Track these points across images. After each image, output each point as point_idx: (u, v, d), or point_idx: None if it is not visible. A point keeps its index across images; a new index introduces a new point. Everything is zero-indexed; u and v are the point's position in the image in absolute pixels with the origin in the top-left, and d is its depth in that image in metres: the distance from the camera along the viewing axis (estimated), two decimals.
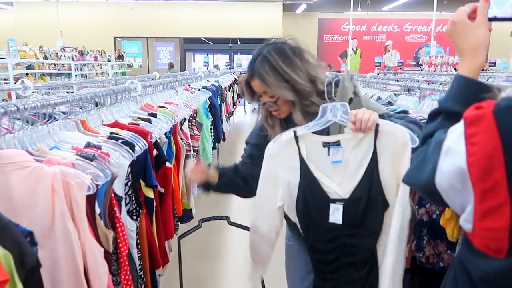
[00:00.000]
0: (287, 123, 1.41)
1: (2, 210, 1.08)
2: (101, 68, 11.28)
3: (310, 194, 1.22)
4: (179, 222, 2.54)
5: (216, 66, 12.47)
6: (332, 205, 1.20)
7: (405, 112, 2.60)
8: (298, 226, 1.30)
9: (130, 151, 1.55)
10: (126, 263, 1.42)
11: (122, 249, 1.39)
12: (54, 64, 9.65)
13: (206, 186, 1.51)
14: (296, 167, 1.24)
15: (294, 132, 1.25)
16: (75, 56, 9.94)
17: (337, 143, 1.22)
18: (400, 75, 7.00)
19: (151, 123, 2.04)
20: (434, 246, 1.82)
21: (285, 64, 1.31)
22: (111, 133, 1.66)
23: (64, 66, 9.73)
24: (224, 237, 3.51)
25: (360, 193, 1.19)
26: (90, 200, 1.19)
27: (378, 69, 10.69)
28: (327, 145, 1.22)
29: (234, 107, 8.50)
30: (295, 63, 1.32)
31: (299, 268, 1.50)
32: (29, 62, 8.25)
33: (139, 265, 1.66)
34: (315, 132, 1.26)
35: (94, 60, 10.75)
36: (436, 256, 2.03)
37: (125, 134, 1.67)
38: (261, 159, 1.31)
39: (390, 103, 3.11)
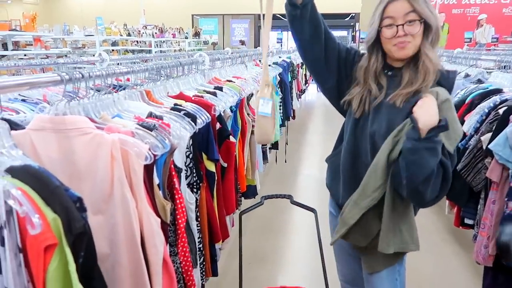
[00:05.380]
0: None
1: (67, 174, 1.12)
2: (178, 45, 11.67)
3: None
4: (242, 198, 2.53)
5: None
6: None
7: (499, 91, 2.28)
8: None
9: (192, 123, 1.53)
10: (184, 234, 1.42)
11: (180, 221, 1.39)
12: (137, 41, 10.19)
13: None
14: None
15: None
16: (155, 33, 10.37)
17: None
18: (494, 52, 6.26)
19: (216, 96, 2.02)
20: None
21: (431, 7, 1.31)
22: (175, 104, 1.65)
23: (145, 43, 10.23)
24: (287, 216, 3.47)
25: None
26: (149, 169, 1.19)
27: (467, 45, 9.69)
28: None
29: (306, 85, 8.24)
30: (436, 13, 1.33)
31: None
32: (114, 39, 8.78)
33: (198, 237, 1.66)
34: None
35: (173, 37, 11.15)
36: None
37: (189, 106, 1.65)
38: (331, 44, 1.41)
39: (480, 81, 2.76)
